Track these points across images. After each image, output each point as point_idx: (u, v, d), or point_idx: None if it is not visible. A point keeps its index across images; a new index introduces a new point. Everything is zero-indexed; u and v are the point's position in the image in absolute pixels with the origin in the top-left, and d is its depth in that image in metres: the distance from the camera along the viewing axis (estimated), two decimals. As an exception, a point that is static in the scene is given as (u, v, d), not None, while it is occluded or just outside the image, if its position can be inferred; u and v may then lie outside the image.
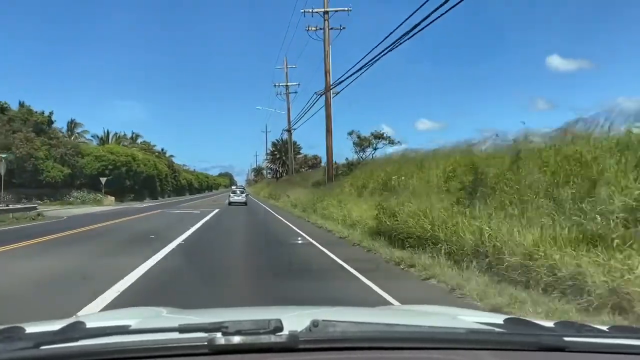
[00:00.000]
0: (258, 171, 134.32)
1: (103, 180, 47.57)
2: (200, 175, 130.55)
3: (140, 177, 57.94)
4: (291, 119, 46.45)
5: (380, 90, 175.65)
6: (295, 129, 46.54)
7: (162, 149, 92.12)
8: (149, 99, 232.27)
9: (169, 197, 77.31)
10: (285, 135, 53.23)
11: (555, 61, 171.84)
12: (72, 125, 60.62)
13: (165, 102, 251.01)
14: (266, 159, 72.04)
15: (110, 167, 50.62)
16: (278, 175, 65.82)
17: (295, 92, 48.06)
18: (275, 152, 65.59)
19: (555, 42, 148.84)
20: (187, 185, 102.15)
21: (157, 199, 67.65)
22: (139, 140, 73.92)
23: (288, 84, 47.47)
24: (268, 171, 73.51)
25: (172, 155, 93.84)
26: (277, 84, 47.81)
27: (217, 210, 30.80)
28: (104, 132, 62.98)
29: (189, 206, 40.27)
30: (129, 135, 71.89)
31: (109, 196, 50.64)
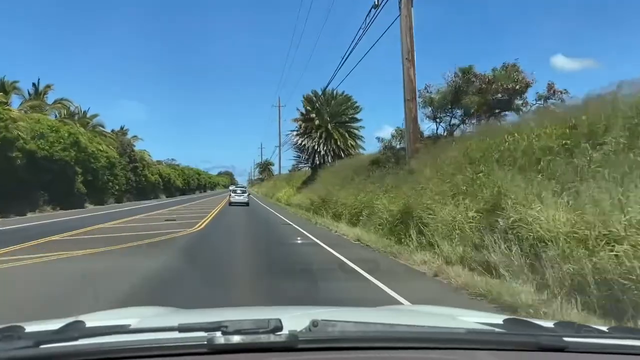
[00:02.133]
0: (264, 166, 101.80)
1: None
2: (186, 170, 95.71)
3: (16, 163, 25.28)
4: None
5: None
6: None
7: (123, 127, 59.05)
8: (150, 101, 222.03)
9: (117, 202, 44.65)
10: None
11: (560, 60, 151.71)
12: None
13: (165, 103, 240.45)
14: (294, 131, 36.53)
15: None
16: (318, 161, 32.45)
17: None
18: (312, 115, 32.35)
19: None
20: (163, 183, 69.03)
21: (82, 207, 35.06)
22: (54, 97, 39.63)
23: None
24: (296, 151, 37.48)
25: (135, 137, 60.64)
26: None
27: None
28: None
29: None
30: (27, 88, 37.92)
31: None
